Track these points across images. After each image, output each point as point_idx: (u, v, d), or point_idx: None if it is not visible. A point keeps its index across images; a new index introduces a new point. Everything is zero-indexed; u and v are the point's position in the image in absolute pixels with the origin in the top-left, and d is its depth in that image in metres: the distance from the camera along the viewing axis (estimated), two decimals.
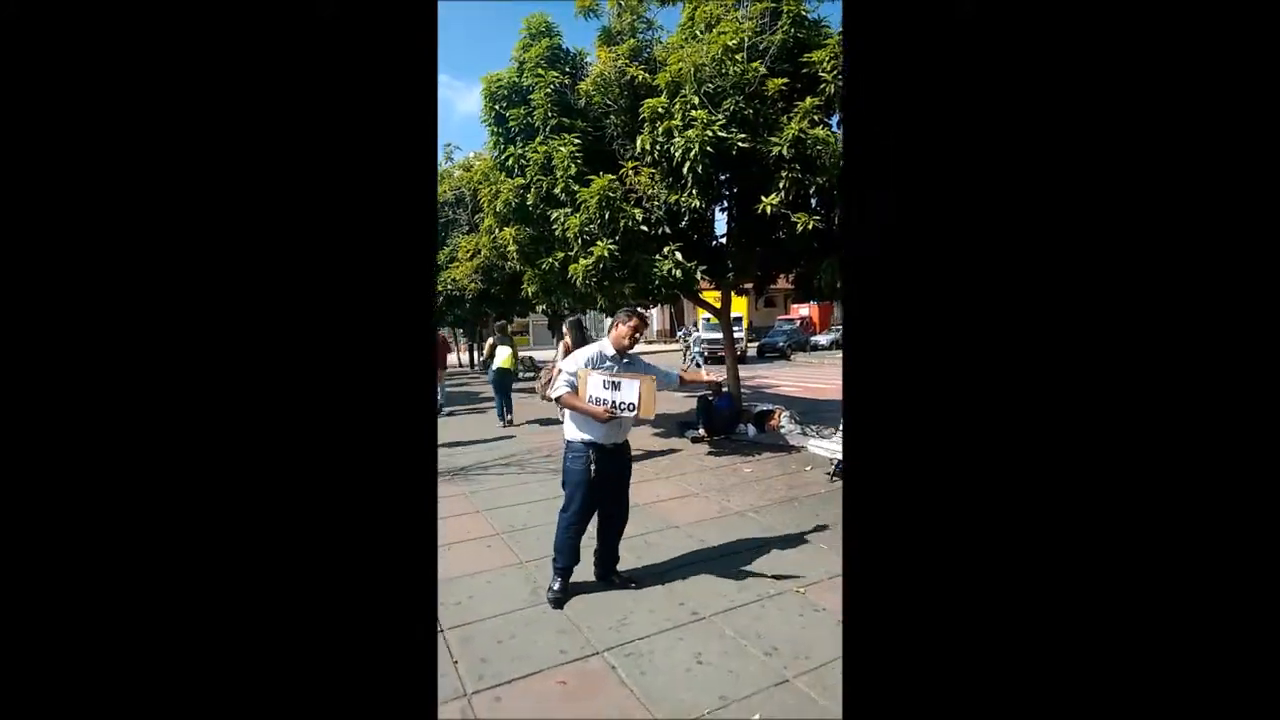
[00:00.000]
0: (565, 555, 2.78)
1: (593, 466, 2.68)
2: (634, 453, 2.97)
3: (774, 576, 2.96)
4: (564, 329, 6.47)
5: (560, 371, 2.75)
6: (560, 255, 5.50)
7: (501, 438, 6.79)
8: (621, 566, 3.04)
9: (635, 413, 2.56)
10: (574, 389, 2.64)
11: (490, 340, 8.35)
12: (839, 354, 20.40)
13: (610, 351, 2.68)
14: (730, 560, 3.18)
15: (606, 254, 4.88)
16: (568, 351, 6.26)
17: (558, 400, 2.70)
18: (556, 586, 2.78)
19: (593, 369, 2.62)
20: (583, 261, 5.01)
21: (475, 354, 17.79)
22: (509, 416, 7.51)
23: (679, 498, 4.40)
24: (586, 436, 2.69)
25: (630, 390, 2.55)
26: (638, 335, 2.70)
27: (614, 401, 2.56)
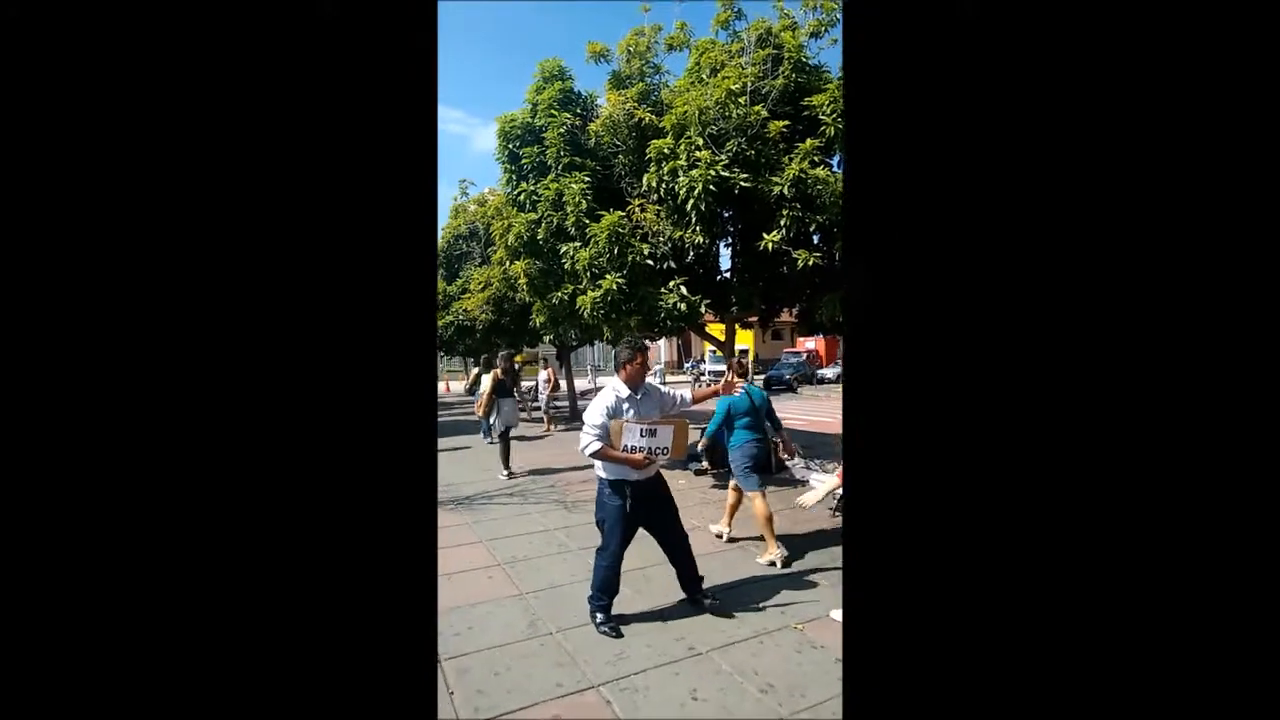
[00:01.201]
0: (608, 593, 2.83)
1: (628, 503, 2.75)
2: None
3: (775, 608, 2.95)
4: (497, 361, 6.62)
5: (585, 425, 2.78)
6: (569, 288, 5.63)
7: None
8: (620, 600, 3.04)
9: (669, 455, 2.69)
10: (605, 440, 2.70)
11: (475, 370, 8.46)
12: None
13: (625, 392, 2.77)
14: (729, 595, 3.18)
15: (614, 287, 5.00)
16: (496, 381, 6.38)
17: (593, 455, 2.73)
18: (601, 619, 2.81)
19: (619, 416, 2.71)
20: (591, 294, 5.13)
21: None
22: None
23: None
24: (620, 475, 2.76)
25: (665, 435, 2.66)
26: (646, 367, 2.82)
27: (651, 448, 2.66)
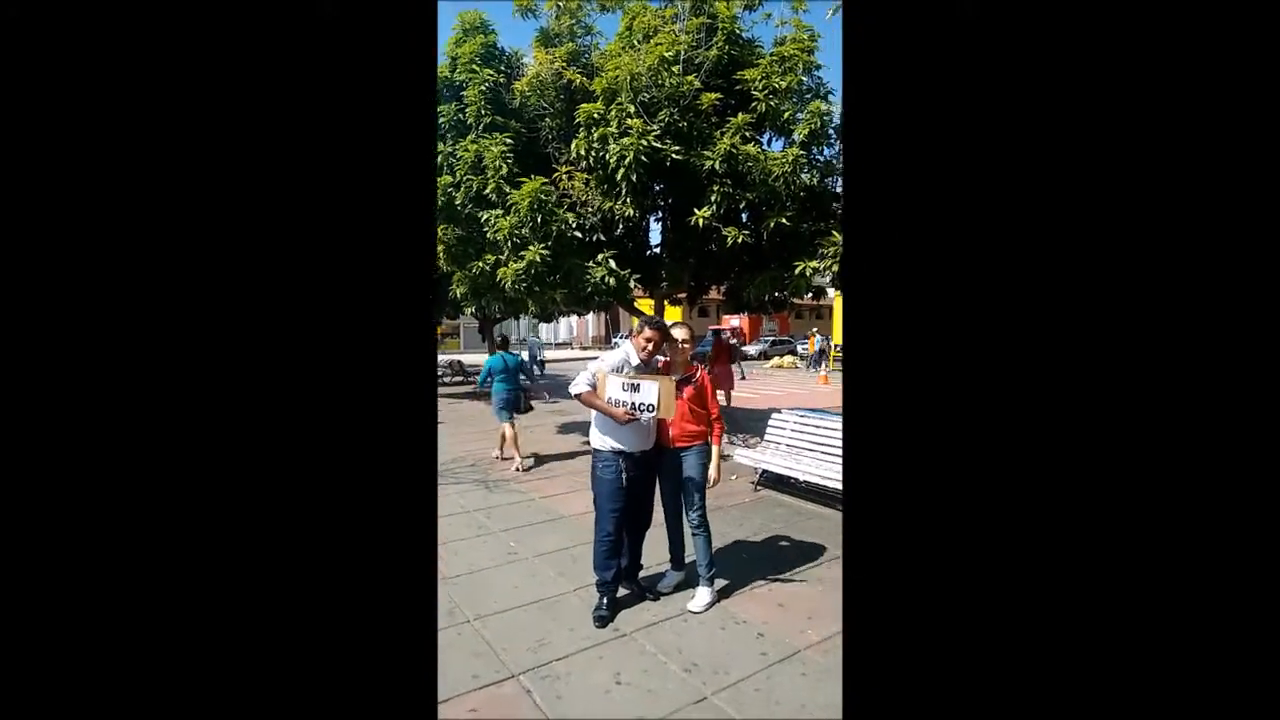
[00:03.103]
0: (608, 571, 2.69)
1: (624, 475, 2.63)
2: (551, 457, 2.92)
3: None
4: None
5: (584, 370, 2.73)
6: (491, 258, 5.33)
7: None
8: (541, 584, 2.94)
9: (655, 413, 2.55)
10: (593, 388, 2.63)
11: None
12: (767, 364, 21.04)
13: (635, 360, 2.68)
14: (655, 571, 3.16)
15: (538, 259, 4.77)
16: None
17: (577, 397, 2.68)
18: (604, 604, 2.67)
19: (614, 371, 2.65)
20: (513, 265, 4.88)
21: None
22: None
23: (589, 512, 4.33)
24: (615, 445, 2.64)
25: (649, 391, 2.54)
26: (650, 348, 2.65)
27: (633, 403, 2.55)
